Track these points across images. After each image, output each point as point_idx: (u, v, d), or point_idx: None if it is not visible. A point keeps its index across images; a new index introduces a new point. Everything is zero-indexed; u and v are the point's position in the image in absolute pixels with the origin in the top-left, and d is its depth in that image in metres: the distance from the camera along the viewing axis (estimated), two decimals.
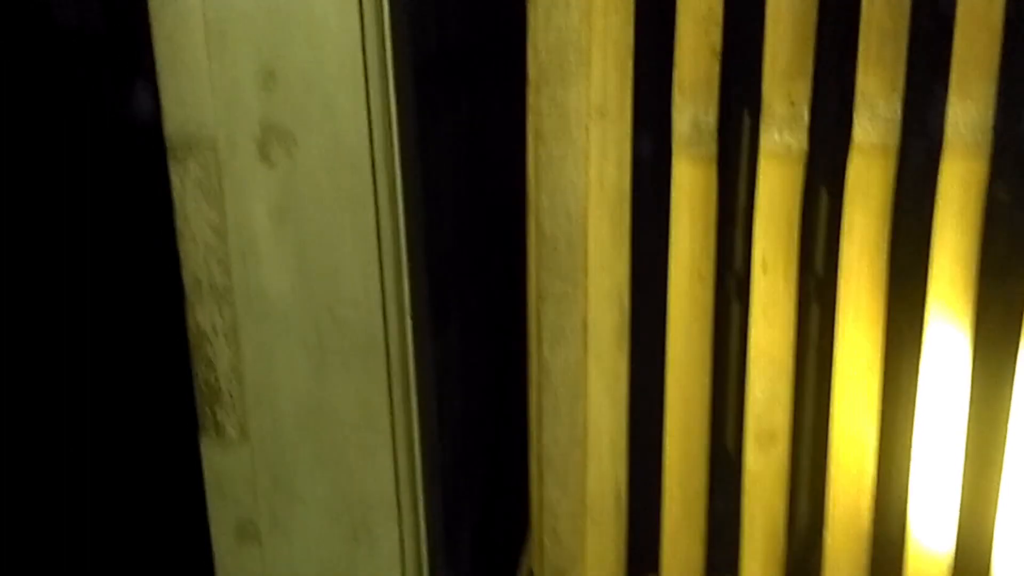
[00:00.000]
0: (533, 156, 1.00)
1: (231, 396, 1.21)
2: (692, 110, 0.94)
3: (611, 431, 1.04)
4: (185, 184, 1.16)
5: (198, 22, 1.09)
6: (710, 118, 0.94)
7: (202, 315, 1.19)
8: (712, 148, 0.94)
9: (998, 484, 1.00)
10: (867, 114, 0.91)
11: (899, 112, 0.91)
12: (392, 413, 1.18)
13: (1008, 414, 0.97)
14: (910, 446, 1.00)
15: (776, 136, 0.93)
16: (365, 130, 1.10)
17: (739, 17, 0.93)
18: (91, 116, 1.77)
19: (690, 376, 1.01)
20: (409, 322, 1.17)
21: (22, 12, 1.93)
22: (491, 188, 1.47)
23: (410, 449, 1.20)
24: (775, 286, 0.96)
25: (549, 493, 1.07)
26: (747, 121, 0.97)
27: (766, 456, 1.01)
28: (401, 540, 1.21)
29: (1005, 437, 0.98)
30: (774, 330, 0.98)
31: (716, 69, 0.93)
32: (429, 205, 1.22)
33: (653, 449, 1.05)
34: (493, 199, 1.48)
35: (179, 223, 1.17)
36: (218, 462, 1.22)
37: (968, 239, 0.92)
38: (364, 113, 1.09)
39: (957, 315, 0.94)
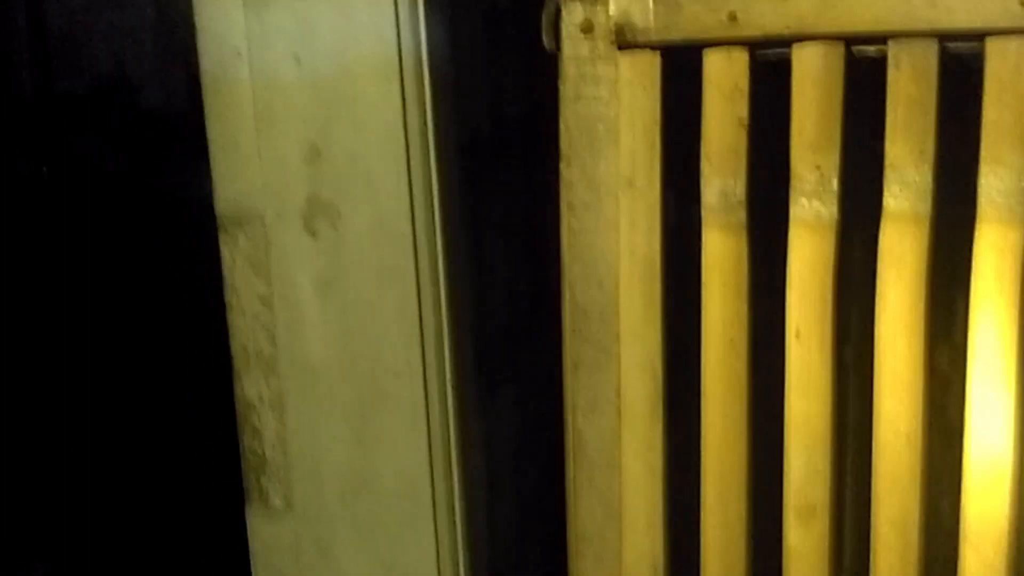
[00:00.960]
0: (566, 227, 1.01)
1: (276, 465, 1.22)
2: (720, 180, 0.94)
3: (647, 503, 1.02)
4: (235, 257, 1.20)
5: (247, 101, 1.14)
6: (739, 188, 0.94)
7: (249, 385, 1.22)
8: (741, 217, 0.95)
9: None
10: (897, 181, 0.91)
11: (930, 179, 0.90)
12: (433, 484, 1.18)
13: None
14: (956, 520, 0.96)
15: (805, 204, 0.93)
16: (407, 204, 1.13)
17: (766, 87, 0.93)
18: (154, 193, 1.85)
19: (727, 447, 0.99)
20: (451, 393, 1.18)
21: (112, 94, 2.03)
22: (545, 260, 1.48)
23: (451, 521, 1.19)
24: (809, 355, 0.95)
25: (584, 566, 1.06)
26: (778, 189, 0.97)
27: (807, 531, 0.98)
28: None
29: None
30: (810, 401, 0.96)
31: (744, 139, 0.93)
32: (476, 278, 1.24)
33: (690, 522, 1.04)
34: (548, 271, 1.49)
35: (228, 295, 1.21)
36: (263, 532, 1.24)
37: (1007, 307, 0.90)
38: (406, 188, 1.12)
39: (999, 385, 0.91)
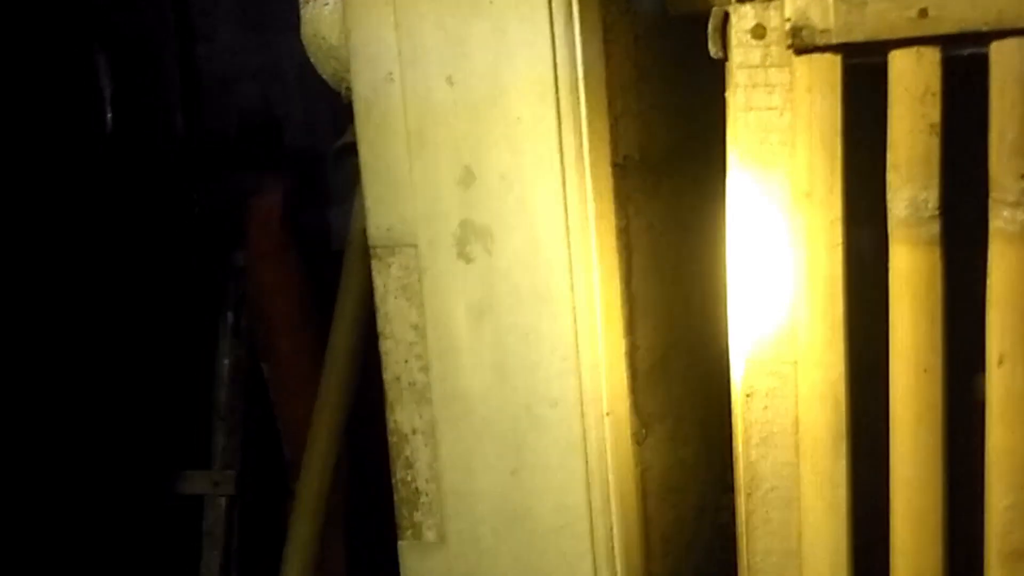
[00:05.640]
0: (736, 245, 0.95)
1: (429, 497, 1.19)
2: (910, 191, 0.87)
3: (830, 544, 0.94)
4: (387, 284, 1.18)
5: (400, 126, 1.12)
6: (931, 199, 0.86)
7: (401, 415, 1.19)
8: (934, 230, 0.87)
9: None
10: None
11: None
12: (591, 519, 1.12)
13: None
14: None
15: (1008, 215, 0.84)
16: (562, 227, 1.08)
17: (960, 89, 0.86)
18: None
19: (919, 483, 0.91)
20: (608, 423, 1.12)
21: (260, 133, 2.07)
22: (701, 284, 1.42)
23: (611, 559, 1.13)
24: (1014, 381, 0.86)
25: None
26: (969, 199, 0.88)
27: None
28: None
29: None
30: (1016, 433, 0.87)
31: (937, 146, 0.85)
32: (630, 303, 1.18)
33: (878, 566, 0.95)
34: (703, 295, 1.43)
35: (380, 323, 1.18)
36: (417, 566, 1.20)
37: None
38: (561, 210, 1.08)
39: None
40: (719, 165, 1.32)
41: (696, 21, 0.98)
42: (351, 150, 1.82)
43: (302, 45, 1.51)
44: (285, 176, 1.99)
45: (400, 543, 1.20)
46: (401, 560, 1.20)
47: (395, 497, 1.20)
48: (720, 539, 1.48)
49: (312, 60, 1.41)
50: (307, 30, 1.39)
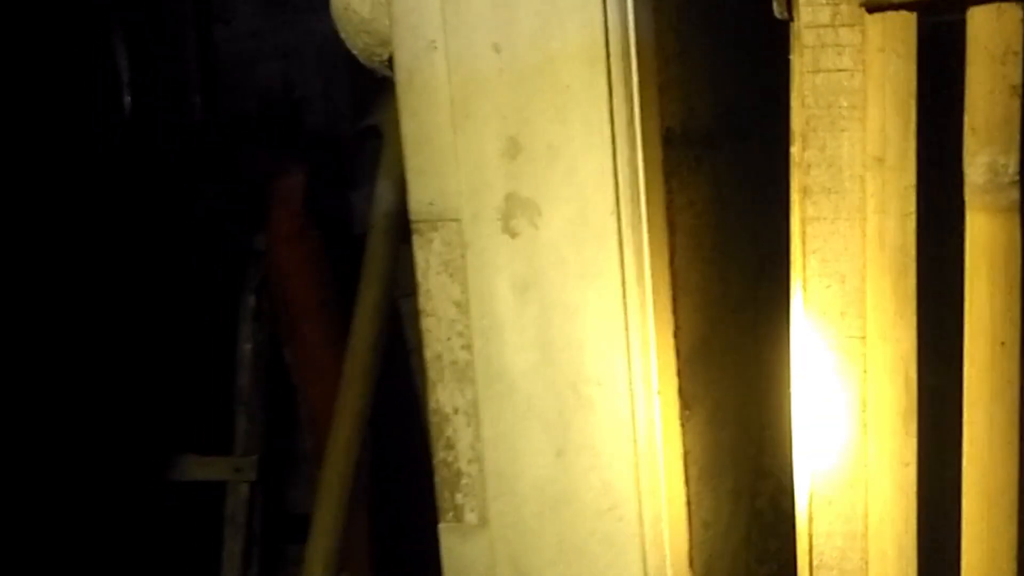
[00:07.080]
0: (799, 215, 0.91)
1: (471, 479, 1.16)
2: (988, 155, 0.83)
3: (897, 525, 0.91)
4: (429, 260, 1.14)
5: (443, 96, 1.09)
6: (1011, 163, 0.82)
7: (443, 394, 1.16)
8: (1013, 196, 0.83)
9: None
10: None
11: None
12: (640, 501, 1.09)
13: None
14: None
15: None
16: (612, 200, 1.05)
17: None
18: None
19: (993, 463, 0.87)
20: (657, 401, 1.09)
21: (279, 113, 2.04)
22: (739, 267, 1.38)
23: (659, 543, 1.10)
24: None
25: None
26: None
27: None
28: None
29: None
30: None
31: (1018, 108, 0.82)
32: (673, 281, 1.15)
33: (948, 549, 0.92)
34: (741, 278, 1.40)
35: (421, 300, 1.15)
36: (457, 550, 1.17)
37: None
38: (611, 182, 1.05)
39: None
40: (758, 145, 1.28)
41: None
42: (372, 132, 1.79)
43: (321, 26, 1.46)
44: (305, 158, 1.96)
45: (440, 525, 1.17)
46: (442, 543, 1.17)
47: (436, 478, 1.17)
48: (757, 524, 1.45)
49: (342, 35, 1.37)
50: (337, 3, 1.35)
